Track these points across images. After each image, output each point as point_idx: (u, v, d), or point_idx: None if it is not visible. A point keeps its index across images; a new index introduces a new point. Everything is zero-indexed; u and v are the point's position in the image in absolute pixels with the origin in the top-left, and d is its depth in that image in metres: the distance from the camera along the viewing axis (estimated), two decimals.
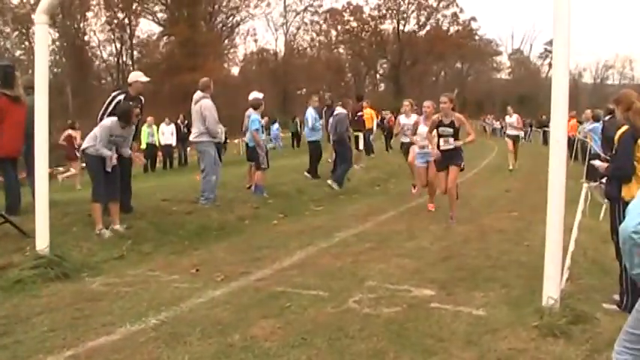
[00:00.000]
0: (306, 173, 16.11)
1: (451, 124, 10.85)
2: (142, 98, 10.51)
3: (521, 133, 21.57)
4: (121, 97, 9.95)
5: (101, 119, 9.57)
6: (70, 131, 20.53)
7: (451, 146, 10.87)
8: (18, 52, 58.91)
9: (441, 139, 11.01)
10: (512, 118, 22.91)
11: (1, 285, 6.55)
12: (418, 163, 12.58)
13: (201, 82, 11.89)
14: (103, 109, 9.97)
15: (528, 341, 5.06)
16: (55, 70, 58.11)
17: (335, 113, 16.14)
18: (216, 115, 11.54)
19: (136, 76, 10.53)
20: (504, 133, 21.85)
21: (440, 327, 5.42)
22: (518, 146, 22.86)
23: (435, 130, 11.11)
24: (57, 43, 60.01)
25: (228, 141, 28.23)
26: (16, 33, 59.68)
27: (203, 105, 11.43)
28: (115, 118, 9.11)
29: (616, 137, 5.98)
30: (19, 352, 4.81)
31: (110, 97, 10.14)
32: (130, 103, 9.48)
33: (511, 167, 21.71)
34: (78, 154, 17.92)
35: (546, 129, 44.38)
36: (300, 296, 6.28)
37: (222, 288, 6.61)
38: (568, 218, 6.08)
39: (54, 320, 5.58)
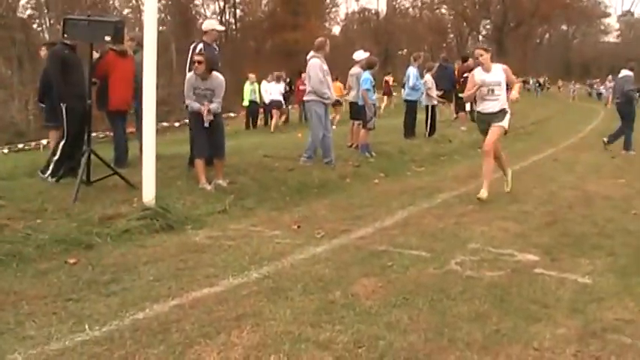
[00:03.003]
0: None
1: None
2: (216, 47, 10.51)
3: None
4: (200, 45, 9.91)
5: (188, 70, 9.62)
6: None
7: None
8: (126, 11, 60.48)
9: None
10: None
11: (110, 234, 6.74)
12: None
13: (316, 41, 11.92)
14: (188, 61, 10.08)
15: (636, 312, 4.87)
16: (160, 27, 59.31)
17: (621, 75, 16.24)
18: (322, 76, 11.44)
19: (212, 25, 10.58)
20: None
21: (544, 293, 5.28)
22: None
23: None
24: (162, 1, 61.11)
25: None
26: None
27: (310, 64, 11.42)
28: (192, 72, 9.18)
29: None
30: (127, 299, 4.94)
31: (191, 48, 10.09)
32: (202, 50, 9.56)
33: None
34: None
35: None
36: (401, 256, 6.22)
37: (324, 245, 6.62)
38: None
39: (159, 270, 5.71)
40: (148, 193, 7.52)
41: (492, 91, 9.20)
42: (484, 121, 9.46)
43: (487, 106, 9.33)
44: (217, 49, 10.51)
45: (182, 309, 4.74)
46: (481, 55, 9.32)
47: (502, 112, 9.30)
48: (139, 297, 4.98)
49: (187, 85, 9.09)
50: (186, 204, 8.22)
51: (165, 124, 22.77)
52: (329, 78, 11.77)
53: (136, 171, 8.55)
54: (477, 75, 9.27)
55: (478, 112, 9.62)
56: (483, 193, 8.98)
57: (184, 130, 12.12)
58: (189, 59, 9.96)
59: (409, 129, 16.28)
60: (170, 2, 62.80)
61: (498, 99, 9.24)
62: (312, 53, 11.58)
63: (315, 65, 11.39)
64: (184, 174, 9.55)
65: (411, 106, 16.42)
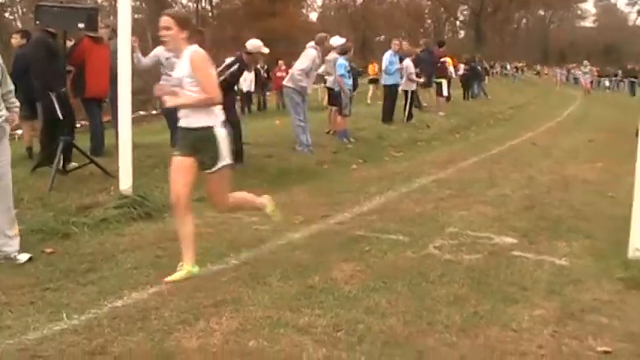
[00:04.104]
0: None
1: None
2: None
3: None
4: (235, 67, 9.62)
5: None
6: None
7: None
8: None
9: None
10: None
11: (88, 223, 6.68)
12: None
13: (318, 35, 12.08)
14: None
15: (613, 293, 4.95)
16: (136, 15, 58.69)
17: None
18: (310, 67, 11.44)
19: (257, 47, 9.87)
20: None
21: (522, 275, 5.35)
22: None
23: None
24: None
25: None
26: None
27: (305, 52, 11.51)
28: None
29: None
30: (105, 287, 4.92)
31: (223, 66, 9.56)
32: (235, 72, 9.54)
33: None
34: None
35: (634, 79, 42.62)
36: (380, 240, 6.26)
37: (302, 231, 6.64)
38: None
39: (137, 258, 5.69)
40: (125, 181, 7.44)
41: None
42: (184, 138, 5.22)
43: (182, 117, 5.21)
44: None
45: (161, 296, 4.73)
46: (166, 29, 5.04)
47: (207, 137, 5.09)
48: (117, 285, 4.97)
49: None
50: (165, 192, 8.11)
51: (142, 112, 22.59)
52: (315, 73, 11.84)
53: (112, 160, 8.49)
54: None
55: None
56: (184, 271, 5.17)
57: (162, 119, 12.02)
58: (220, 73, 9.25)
59: (387, 114, 16.27)
60: None
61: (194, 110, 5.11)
62: (312, 43, 11.63)
63: (310, 55, 11.46)
64: (162, 162, 9.48)
65: (390, 91, 16.40)
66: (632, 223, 5.59)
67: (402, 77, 16.75)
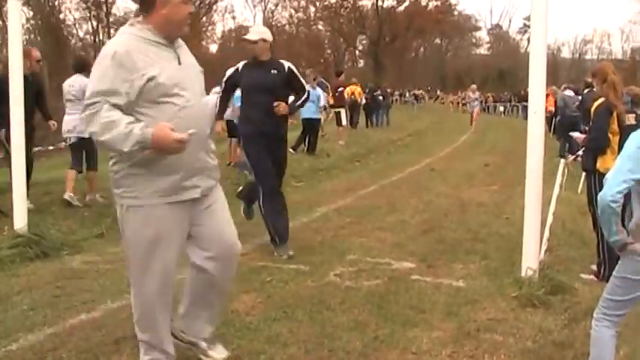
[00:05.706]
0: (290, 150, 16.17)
1: None
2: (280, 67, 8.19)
3: None
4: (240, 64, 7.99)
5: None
6: None
7: None
8: None
9: None
10: None
11: None
12: None
13: None
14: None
15: (508, 311, 5.17)
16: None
17: None
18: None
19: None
20: None
21: (420, 299, 5.50)
22: None
23: None
24: (31, 21, 58.90)
25: None
26: None
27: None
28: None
29: (592, 109, 6.08)
30: None
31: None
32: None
33: None
34: None
35: (526, 103, 43.93)
36: (281, 270, 6.32)
37: None
38: (547, 191, 6.17)
39: (34, 299, 5.55)
40: (20, 219, 7.24)
41: None
42: None
43: None
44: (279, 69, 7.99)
45: (58, 337, 4.63)
46: None
47: None
48: (12, 328, 4.83)
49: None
50: (62, 229, 8.01)
51: (39, 148, 21.96)
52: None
53: (8, 198, 8.24)
54: None
55: None
56: None
57: (63, 155, 11.69)
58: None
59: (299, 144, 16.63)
60: (40, 22, 60.67)
61: None
62: (217, 89, 11.52)
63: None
64: (60, 199, 9.28)
65: (315, 124, 16.65)
66: (523, 242, 5.83)
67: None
